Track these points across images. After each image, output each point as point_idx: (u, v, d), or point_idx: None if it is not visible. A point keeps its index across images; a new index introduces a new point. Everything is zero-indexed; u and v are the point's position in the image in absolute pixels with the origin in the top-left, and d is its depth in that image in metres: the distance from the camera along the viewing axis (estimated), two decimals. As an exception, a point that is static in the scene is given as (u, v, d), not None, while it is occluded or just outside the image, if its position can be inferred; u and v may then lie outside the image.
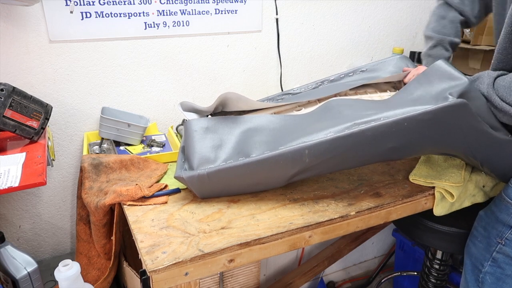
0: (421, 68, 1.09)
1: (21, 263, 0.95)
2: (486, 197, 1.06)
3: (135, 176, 1.04)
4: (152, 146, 1.22)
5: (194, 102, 1.13)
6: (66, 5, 1.11)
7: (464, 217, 1.10)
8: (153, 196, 0.94)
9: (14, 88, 0.93)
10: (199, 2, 1.27)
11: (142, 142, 1.24)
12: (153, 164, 1.09)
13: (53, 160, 1.09)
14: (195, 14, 1.28)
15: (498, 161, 0.94)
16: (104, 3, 1.15)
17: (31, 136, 0.99)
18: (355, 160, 0.92)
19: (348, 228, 0.91)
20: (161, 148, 1.21)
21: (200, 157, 0.90)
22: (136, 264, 1.03)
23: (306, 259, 1.78)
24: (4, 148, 0.99)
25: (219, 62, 1.39)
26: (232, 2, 1.32)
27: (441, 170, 1.04)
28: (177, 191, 0.97)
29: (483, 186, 1.04)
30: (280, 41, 1.45)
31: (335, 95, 1.12)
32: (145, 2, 1.20)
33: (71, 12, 1.11)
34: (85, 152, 1.16)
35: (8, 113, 0.92)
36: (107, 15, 1.17)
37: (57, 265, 0.91)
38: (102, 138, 1.20)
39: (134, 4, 1.19)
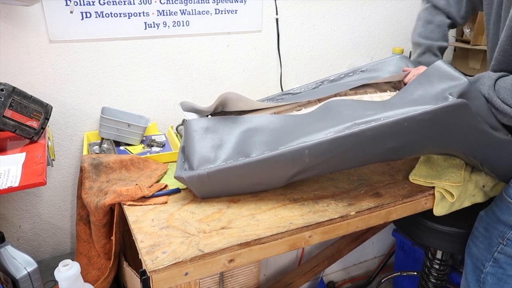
0: (422, 68, 1.09)
1: (21, 263, 0.95)
2: (486, 197, 1.06)
3: (135, 176, 1.04)
4: (152, 146, 1.22)
5: (194, 102, 1.13)
6: (66, 5, 1.11)
7: (464, 217, 1.10)
8: (153, 196, 0.94)
9: (14, 88, 0.93)
10: (199, 2, 1.27)
11: (142, 142, 1.24)
12: (153, 164, 1.09)
13: (53, 160, 1.09)
14: (195, 14, 1.28)
15: (498, 161, 0.94)
16: (104, 3, 1.15)
17: (31, 136, 0.99)
18: (355, 160, 0.92)
19: (348, 228, 0.91)
20: (161, 148, 1.21)
21: (200, 157, 0.90)
22: (136, 264, 1.03)
23: (306, 259, 1.78)
24: (4, 148, 0.99)
25: (219, 62, 1.39)
26: (232, 2, 1.32)
27: (441, 170, 1.04)
28: (177, 191, 0.97)
29: (483, 186, 1.04)
30: (280, 41, 1.45)
31: (335, 95, 1.12)
32: (145, 2, 1.20)
33: (71, 12, 1.11)
34: (85, 152, 1.16)
35: (8, 113, 0.92)
36: (107, 15, 1.17)
37: (57, 265, 0.91)
38: (102, 138, 1.20)
39: (134, 4, 1.19)
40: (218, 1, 1.30)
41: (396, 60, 1.21)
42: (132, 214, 0.88)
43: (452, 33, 1.76)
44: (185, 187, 0.98)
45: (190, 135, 0.95)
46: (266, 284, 1.76)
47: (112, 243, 1.03)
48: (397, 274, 1.74)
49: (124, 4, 1.18)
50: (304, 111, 1.09)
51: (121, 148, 1.20)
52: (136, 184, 0.93)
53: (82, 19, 1.14)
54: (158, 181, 1.01)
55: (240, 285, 1.59)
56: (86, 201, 0.99)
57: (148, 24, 1.23)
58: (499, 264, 0.95)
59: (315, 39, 1.52)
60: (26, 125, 0.97)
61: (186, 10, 1.26)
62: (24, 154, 0.94)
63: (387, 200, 0.95)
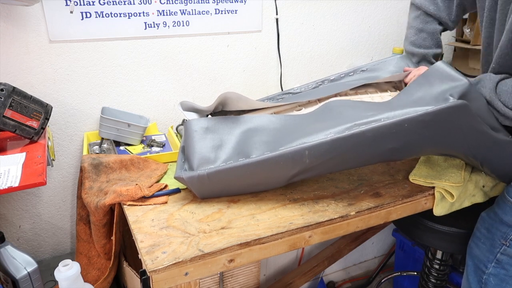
0: (423, 69, 1.09)
1: (21, 263, 0.95)
2: (486, 197, 1.06)
3: (135, 176, 1.04)
4: (152, 146, 1.22)
5: (194, 102, 1.13)
6: (66, 5, 1.11)
7: (464, 217, 1.10)
8: (153, 196, 0.94)
9: (14, 88, 0.93)
10: (199, 2, 1.27)
11: (142, 142, 1.24)
12: (153, 164, 1.09)
13: (53, 160, 1.09)
14: (195, 14, 1.28)
15: (498, 161, 0.94)
16: (104, 3, 1.15)
17: (31, 136, 0.99)
18: (355, 160, 0.92)
19: (348, 228, 0.91)
20: (161, 148, 1.21)
21: (200, 157, 0.90)
22: (136, 264, 1.03)
23: (306, 259, 1.78)
24: (4, 148, 0.99)
25: (219, 62, 1.39)
26: (232, 2, 1.32)
27: (441, 170, 1.04)
28: (177, 191, 0.97)
29: (483, 186, 1.04)
30: (280, 41, 1.45)
31: (336, 95, 1.12)
32: (145, 2, 1.20)
33: (71, 12, 1.11)
34: (85, 152, 1.16)
35: (8, 113, 0.92)
36: (107, 15, 1.17)
37: (57, 265, 0.91)
38: (102, 138, 1.20)
39: (134, 4, 1.19)
40: (218, 1, 1.30)
41: (396, 60, 1.21)
42: (132, 214, 0.88)
43: (452, 33, 1.76)
44: (185, 187, 0.98)
45: (190, 135, 0.95)
46: (266, 284, 1.76)
47: (112, 243, 1.03)
48: (397, 274, 1.74)
49: (124, 4, 1.18)
50: (304, 111, 1.09)
51: (121, 148, 1.20)
52: (136, 184, 0.93)
53: (82, 19, 1.14)
54: (158, 181, 1.01)
55: (240, 285, 1.59)
56: (86, 201, 0.99)
57: (148, 24, 1.23)
58: (502, 265, 0.95)
59: (315, 39, 1.52)
60: (26, 125, 0.97)
61: (186, 10, 1.26)
62: (24, 154, 0.94)
63: (387, 200, 0.95)
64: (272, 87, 1.50)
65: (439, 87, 0.87)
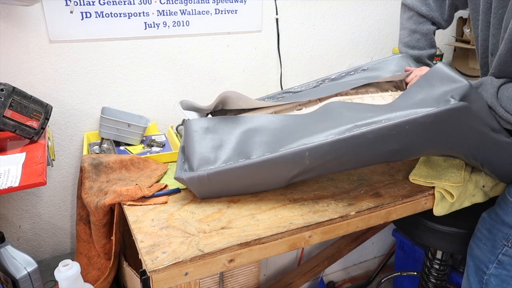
0: (424, 69, 1.09)
1: (21, 263, 0.95)
2: (486, 197, 1.06)
3: (135, 176, 1.04)
4: (152, 146, 1.22)
5: (194, 101, 1.13)
6: (66, 5, 1.11)
7: (464, 217, 1.10)
8: (153, 196, 0.94)
9: (14, 88, 0.93)
10: (199, 2, 1.27)
11: (142, 142, 1.24)
12: (153, 164, 1.09)
13: (53, 160, 1.09)
14: (195, 14, 1.28)
15: (498, 162, 0.94)
16: (104, 3, 1.15)
17: (31, 136, 0.99)
18: (356, 161, 0.92)
19: (348, 228, 0.91)
20: (161, 148, 1.21)
21: (200, 157, 0.90)
22: (136, 264, 1.03)
23: (306, 259, 1.78)
24: (4, 148, 0.99)
25: (219, 62, 1.39)
26: (232, 2, 1.32)
27: (441, 170, 1.04)
28: (177, 191, 0.97)
29: (483, 186, 1.04)
30: (280, 41, 1.45)
31: (336, 95, 1.12)
32: (145, 2, 1.20)
33: (71, 12, 1.11)
34: (85, 152, 1.16)
35: (8, 113, 0.92)
36: (107, 15, 1.17)
37: (57, 265, 0.91)
38: (102, 138, 1.20)
39: (134, 4, 1.19)
40: (218, 1, 1.30)
41: (397, 59, 1.20)
42: (132, 214, 0.88)
43: (452, 33, 1.76)
44: (185, 187, 0.98)
45: (190, 135, 0.95)
46: (266, 284, 1.76)
47: (112, 243, 1.03)
48: (397, 274, 1.74)
49: (124, 4, 1.18)
50: (305, 110, 1.09)
51: (121, 148, 1.20)
52: (136, 184, 0.93)
53: (82, 19, 1.14)
54: (158, 181, 1.01)
55: (240, 285, 1.59)
56: (86, 201, 0.99)
57: (148, 24, 1.23)
58: (503, 265, 0.95)
59: (315, 39, 1.52)
60: (26, 125, 0.97)
61: (186, 10, 1.26)
62: (24, 154, 0.94)
63: (387, 200, 0.95)
64: (272, 87, 1.50)
65: (440, 89, 0.87)
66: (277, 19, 1.42)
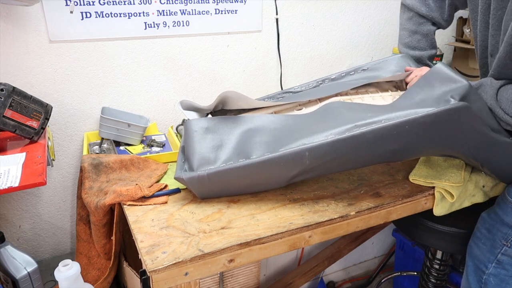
0: (425, 69, 1.09)
1: (21, 263, 0.95)
2: (486, 197, 1.06)
3: (135, 176, 1.04)
4: (152, 146, 1.22)
5: (194, 102, 1.13)
6: (66, 5, 1.11)
7: (464, 217, 1.10)
8: (153, 196, 0.94)
9: (14, 88, 0.93)
10: (199, 2, 1.27)
11: (142, 142, 1.24)
12: (153, 164, 1.09)
13: (53, 160, 1.09)
14: (195, 14, 1.28)
15: (498, 162, 0.94)
16: (104, 3, 1.15)
17: (31, 136, 0.99)
18: (356, 161, 0.92)
19: (348, 228, 0.91)
20: (161, 148, 1.21)
21: (200, 157, 0.90)
22: (136, 264, 1.03)
23: (306, 259, 1.78)
24: (4, 148, 0.99)
25: (219, 62, 1.39)
26: (232, 2, 1.32)
27: (441, 170, 1.04)
28: (177, 191, 0.97)
29: (483, 186, 1.04)
30: (280, 41, 1.45)
31: (336, 95, 1.12)
32: (145, 2, 1.20)
33: (71, 12, 1.11)
34: (85, 152, 1.16)
35: (8, 113, 0.92)
36: (107, 15, 1.17)
37: (57, 265, 0.91)
38: (102, 138, 1.20)
39: (134, 4, 1.19)
40: (218, 1, 1.30)
41: (397, 59, 1.20)
42: (132, 214, 0.88)
43: (452, 33, 1.76)
44: (185, 187, 0.98)
45: (190, 135, 0.95)
46: (266, 284, 1.76)
47: (112, 243, 1.03)
48: (397, 274, 1.74)
49: (124, 4, 1.18)
50: (305, 110, 1.09)
51: (121, 148, 1.20)
52: (136, 184, 0.93)
53: (82, 19, 1.14)
54: (158, 181, 1.01)
55: (240, 285, 1.59)
56: (86, 201, 0.99)
57: (148, 24, 1.23)
58: (503, 265, 0.95)
59: (315, 39, 1.52)
60: (26, 125, 0.97)
61: (186, 10, 1.26)
62: (24, 154, 0.94)
63: (387, 200, 0.95)
64: (272, 87, 1.50)
65: (439, 89, 0.87)
66: (277, 19, 1.42)
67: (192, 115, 1.03)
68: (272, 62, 1.48)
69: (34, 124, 0.99)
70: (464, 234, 1.10)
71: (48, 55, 1.14)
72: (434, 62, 1.59)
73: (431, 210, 1.01)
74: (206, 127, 0.96)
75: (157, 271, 0.71)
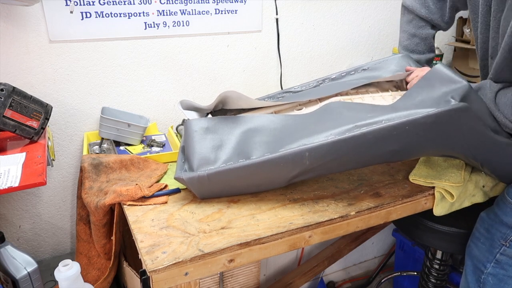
0: (425, 69, 1.08)
1: (21, 263, 0.95)
2: (486, 197, 1.06)
3: (135, 176, 1.04)
4: (152, 146, 1.22)
5: (194, 101, 1.13)
6: (66, 5, 1.11)
7: (464, 217, 1.10)
8: (153, 196, 0.94)
9: (14, 88, 0.93)
10: (199, 2, 1.27)
11: (142, 142, 1.24)
12: (153, 164, 1.09)
13: (53, 160, 1.09)
14: (195, 14, 1.28)
15: (498, 162, 0.94)
16: (104, 3, 1.15)
17: (31, 136, 0.99)
18: (356, 162, 0.92)
19: (348, 228, 0.91)
20: (161, 148, 1.21)
21: (200, 157, 0.90)
22: (136, 264, 1.03)
23: (306, 259, 1.78)
24: (4, 148, 0.99)
25: (219, 62, 1.39)
26: (232, 2, 1.32)
27: (441, 170, 1.04)
28: (177, 191, 0.97)
29: (483, 186, 1.04)
30: (280, 41, 1.45)
31: (336, 95, 1.12)
32: (145, 2, 1.20)
33: (71, 12, 1.11)
34: (85, 152, 1.16)
35: (8, 113, 0.92)
36: (107, 15, 1.17)
37: (57, 265, 0.91)
38: (102, 138, 1.20)
39: (134, 4, 1.19)
40: (218, 1, 1.30)
41: (398, 59, 1.20)
42: (132, 214, 0.88)
43: (452, 33, 1.76)
44: (185, 187, 0.98)
45: (190, 135, 0.95)
46: (266, 284, 1.76)
47: (112, 243, 1.03)
48: (397, 274, 1.74)
49: (124, 4, 1.18)
50: (305, 110, 1.09)
51: (121, 148, 1.20)
52: (136, 184, 0.93)
53: (82, 19, 1.14)
54: (158, 181, 1.01)
55: (240, 285, 1.59)
56: (86, 201, 0.99)
57: (148, 24, 1.23)
58: (501, 265, 0.95)
59: (315, 39, 1.52)
60: (26, 125, 0.97)
61: (186, 10, 1.26)
62: (24, 154, 0.94)
63: (387, 200, 0.95)
64: (272, 87, 1.50)
65: (440, 90, 0.87)
66: (277, 19, 1.42)
67: (192, 115, 1.03)
68: (272, 62, 1.48)
69: (34, 124, 0.99)
70: (464, 234, 1.10)
71: (48, 55, 1.14)
72: (434, 62, 1.60)
73: (431, 210, 1.01)
74: (206, 127, 0.96)
75: (157, 271, 0.71)
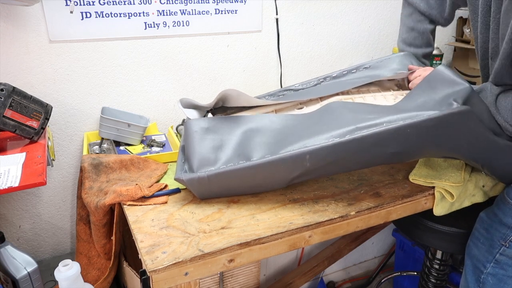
0: (428, 69, 1.07)
1: (21, 263, 0.95)
2: (486, 196, 1.06)
3: (135, 176, 1.04)
4: (152, 146, 1.22)
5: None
6: (66, 5, 1.11)
7: (464, 217, 1.10)
8: (153, 196, 0.94)
9: (14, 88, 0.93)
10: (199, 2, 1.27)
11: (142, 142, 1.24)
12: (153, 164, 1.09)
13: (53, 160, 1.09)
14: (195, 14, 1.28)
15: (498, 163, 0.94)
16: (104, 3, 1.15)
17: (31, 136, 0.99)
18: (357, 163, 0.92)
19: (348, 228, 0.91)
20: (161, 148, 1.21)
21: (200, 158, 0.90)
22: (136, 264, 1.03)
23: (306, 259, 1.78)
24: (4, 148, 0.99)
25: (219, 62, 1.39)
26: (232, 2, 1.32)
27: (441, 170, 1.04)
28: (177, 191, 0.97)
29: (483, 186, 1.04)
30: (280, 41, 1.45)
31: (338, 94, 1.11)
32: (145, 2, 1.20)
33: (71, 12, 1.11)
34: (85, 152, 1.16)
35: (8, 113, 0.92)
36: (107, 15, 1.17)
37: (57, 265, 0.91)
38: (102, 138, 1.20)
39: (134, 4, 1.19)
40: (218, 1, 1.30)
41: (400, 57, 1.19)
42: (132, 214, 0.88)
43: (452, 33, 1.76)
44: (185, 187, 0.97)
45: (190, 136, 0.95)
46: (266, 284, 1.76)
47: (112, 243, 1.03)
48: (397, 274, 1.74)
49: (124, 4, 1.18)
50: (306, 109, 1.08)
51: (121, 148, 1.20)
52: (136, 184, 0.93)
53: (82, 19, 1.14)
54: (158, 181, 1.01)
55: (240, 285, 1.59)
56: (86, 201, 0.99)
57: (148, 24, 1.23)
58: (501, 265, 0.95)
59: (315, 39, 1.52)
60: (26, 125, 0.97)
61: (186, 10, 1.26)
62: (24, 154, 0.94)
63: (387, 200, 0.95)
64: (272, 87, 1.50)
65: (441, 92, 0.87)
66: (277, 19, 1.42)
67: (192, 113, 1.02)
68: (272, 62, 1.48)
69: (34, 124, 0.99)
70: (464, 234, 1.10)
71: (48, 55, 1.14)
72: (434, 62, 1.60)
73: (431, 210, 1.01)
74: (206, 127, 0.96)
75: (157, 271, 0.71)
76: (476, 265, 1.01)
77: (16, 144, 1.00)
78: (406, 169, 1.10)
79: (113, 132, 1.18)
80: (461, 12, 1.70)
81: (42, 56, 1.14)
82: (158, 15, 1.23)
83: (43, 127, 1.01)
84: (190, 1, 1.26)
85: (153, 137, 1.26)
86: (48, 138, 1.07)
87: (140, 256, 0.76)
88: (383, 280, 1.70)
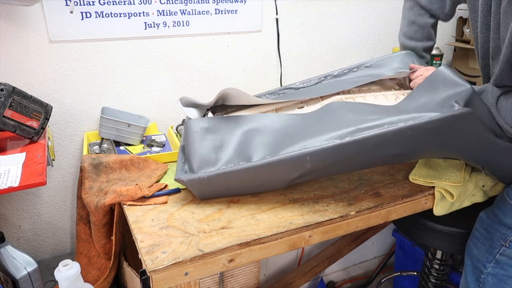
0: (430, 69, 1.07)
1: (21, 263, 0.95)
2: (486, 196, 1.06)
3: (135, 176, 1.04)
4: (152, 146, 1.22)
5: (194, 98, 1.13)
6: (66, 5, 1.11)
7: (464, 217, 1.10)
8: (153, 196, 0.94)
9: (14, 88, 0.93)
10: (199, 2, 1.27)
11: (142, 142, 1.24)
12: (153, 164, 1.09)
13: (53, 160, 1.09)
14: (195, 14, 1.28)
15: (498, 164, 0.94)
16: (104, 3, 1.15)
17: (31, 136, 0.99)
18: (357, 164, 0.92)
19: (348, 228, 0.91)
20: (161, 148, 1.21)
21: (201, 159, 0.90)
22: (136, 264, 1.03)
23: (306, 259, 1.78)
24: (4, 148, 0.99)
25: (219, 62, 1.39)
26: (232, 2, 1.32)
27: (441, 170, 1.04)
28: (177, 191, 0.97)
29: (483, 186, 1.04)
30: (280, 41, 1.45)
31: (338, 93, 1.11)
32: (145, 2, 1.20)
33: (71, 12, 1.11)
34: (85, 152, 1.16)
35: (8, 113, 0.92)
36: (107, 15, 1.17)
37: (57, 265, 0.91)
38: (102, 138, 1.20)
39: (134, 4, 1.19)
40: (218, 1, 1.30)
41: (401, 56, 1.18)
42: (132, 214, 0.88)
43: (452, 33, 1.76)
44: (185, 187, 0.97)
45: (190, 136, 0.95)
46: (266, 284, 1.76)
47: (112, 243, 1.03)
48: (397, 274, 1.74)
49: (124, 4, 1.18)
50: (307, 109, 1.08)
51: (121, 148, 1.20)
52: (136, 184, 0.93)
53: (82, 19, 1.14)
54: (158, 181, 1.01)
55: (240, 285, 1.59)
56: (86, 201, 0.99)
57: (148, 24, 1.23)
58: (501, 265, 0.95)
59: (315, 39, 1.52)
60: (26, 125, 0.97)
61: (186, 10, 1.26)
62: (24, 154, 0.94)
63: (387, 200, 0.95)
64: (272, 87, 1.50)
65: (443, 93, 0.87)
66: (277, 19, 1.42)
67: (192, 112, 1.02)
68: (272, 62, 1.48)
69: (34, 124, 0.99)
70: (464, 234, 1.10)
71: (48, 55, 1.14)
72: (435, 62, 1.60)
73: (431, 210, 1.01)
74: (206, 127, 0.95)
75: (157, 271, 0.71)
76: (476, 265, 1.01)
77: (16, 144, 1.00)
78: (406, 169, 1.10)
79: (113, 132, 1.18)
80: (461, 12, 1.70)
81: (42, 56, 1.14)
82: (158, 15, 1.23)
83: (43, 127, 1.01)
84: (190, 1, 1.26)
85: (153, 137, 1.26)
86: (48, 138, 1.07)
87: (140, 256, 0.76)
88: (383, 280, 1.70)
